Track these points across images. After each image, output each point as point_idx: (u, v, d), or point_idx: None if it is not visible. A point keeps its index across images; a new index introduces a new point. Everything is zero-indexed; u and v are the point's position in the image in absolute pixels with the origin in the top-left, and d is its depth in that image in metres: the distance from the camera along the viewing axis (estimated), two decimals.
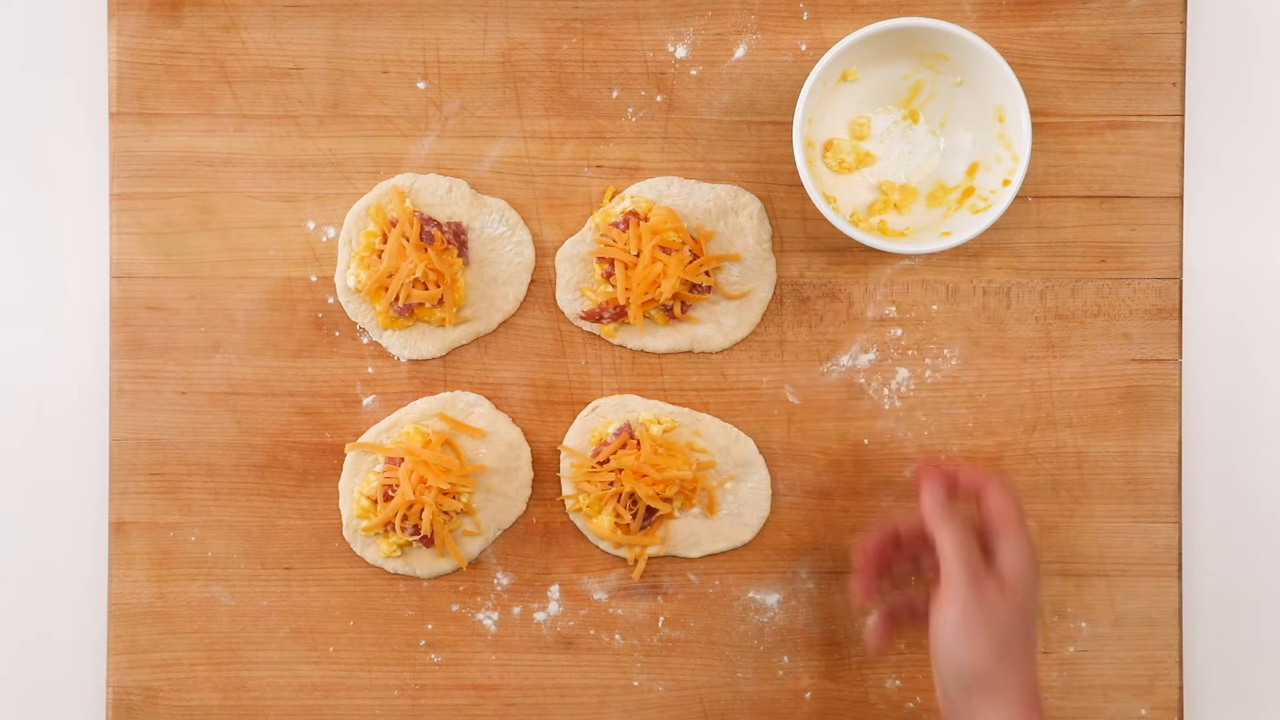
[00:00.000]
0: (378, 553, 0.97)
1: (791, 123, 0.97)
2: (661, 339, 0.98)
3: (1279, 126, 1.02)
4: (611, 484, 0.95)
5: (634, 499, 0.95)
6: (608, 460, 0.95)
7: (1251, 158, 1.01)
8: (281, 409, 0.98)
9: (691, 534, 0.98)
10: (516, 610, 0.98)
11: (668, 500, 0.96)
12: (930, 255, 0.98)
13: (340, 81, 0.98)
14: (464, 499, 0.95)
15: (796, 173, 0.98)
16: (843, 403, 0.98)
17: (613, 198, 0.98)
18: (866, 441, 0.98)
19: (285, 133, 0.98)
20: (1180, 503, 0.98)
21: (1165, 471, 0.98)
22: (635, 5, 0.98)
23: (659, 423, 0.97)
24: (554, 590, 0.98)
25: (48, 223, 1.01)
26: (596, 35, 0.98)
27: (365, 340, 0.98)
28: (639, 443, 0.95)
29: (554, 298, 0.98)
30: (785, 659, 0.98)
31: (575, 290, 0.98)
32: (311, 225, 0.98)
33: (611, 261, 0.96)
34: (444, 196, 0.97)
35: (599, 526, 0.96)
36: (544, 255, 0.98)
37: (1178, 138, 0.98)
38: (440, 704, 0.98)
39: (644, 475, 0.94)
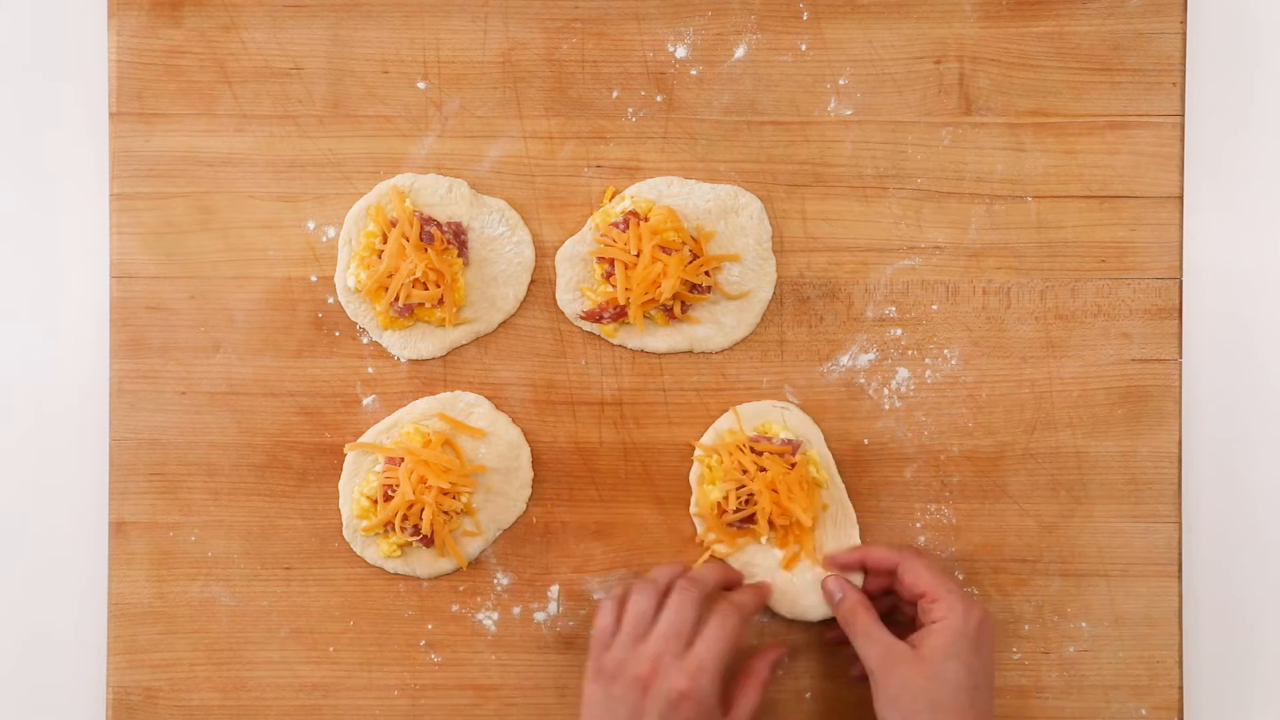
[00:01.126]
0: (378, 553, 0.97)
1: (791, 123, 0.97)
2: (661, 339, 0.98)
3: (1279, 127, 1.02)
4: (745, 471, 0.94)
5: (748, 500, 0.95)
6: None
7: (1251, 158, 1.01)
8: (281, 409, 0.98)
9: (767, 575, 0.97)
10: (516, 610, 0.98)
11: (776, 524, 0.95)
12: (930, 255, 0.98)
13: (340, 81, 0.98)
14: (464, 499, 0.95)
15: (796, 172, 0.98)
16: (843, 403, 0.98)
17: (613, 198, 0.98)
18: (866, 441, 0.98)
19: (285, 133, 0.98)
20: (1180, 503, 0.98)
21: (1165, 471, 0.98)
22: (635, 5, 0.98)
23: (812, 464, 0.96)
24: (554, 590, 0.98)
25: (48, 223, 1.01)
26: (596, 35, 0.98)
27: (365, 340, 0.98)
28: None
29: (554, 298, 0.98)
30: (785, 659, 0.98)
31: (575, 290, 0.98)
32: (311, 225, 0.98)
33: (611, 261, 0.96)
34: (444, 196, 0.97)
35: (705, 495, 0.95)
36: (544, 255, 0.98)
37: (1178, 138, 0.98)
38: (440, 704, 0.98)
39: (775, 491, 0.94)
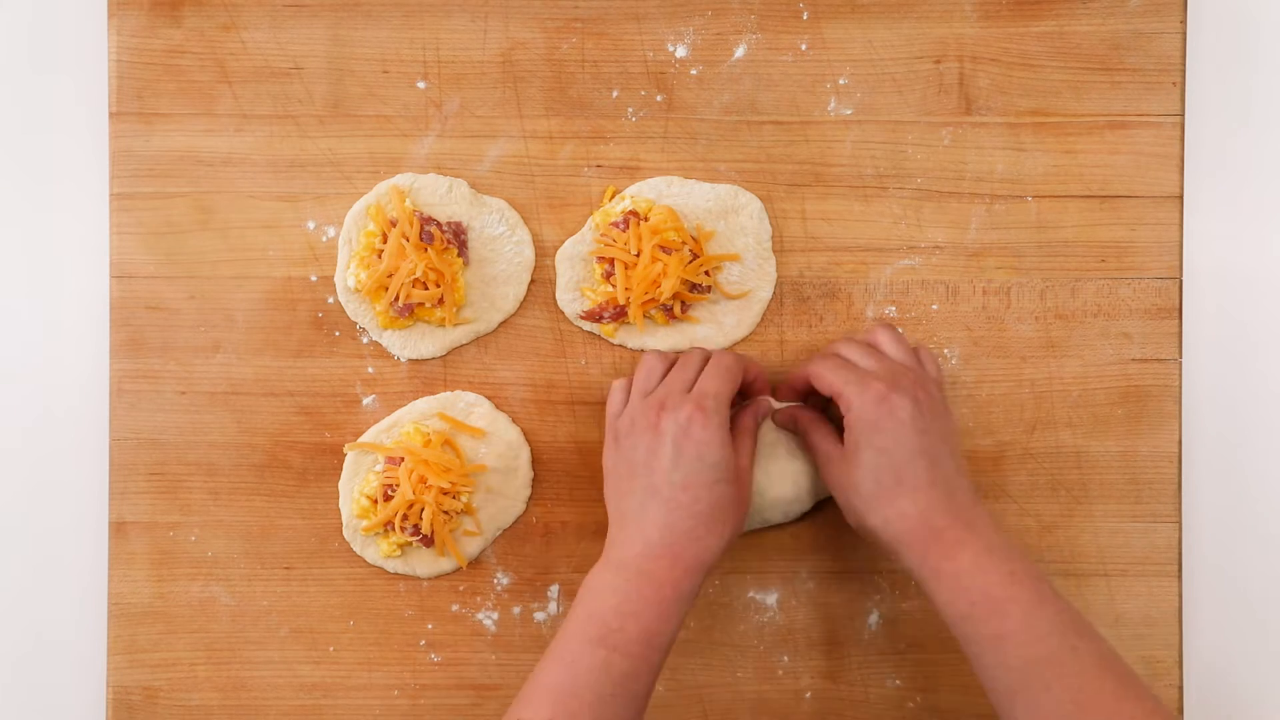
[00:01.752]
0: (378, 553, 0.97)
1: (791, 123, 0.97)
2: (661, 339, 0.98)
3: (1279, 126, 1.02)
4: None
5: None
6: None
7: (1251, 158, 1.01)
8: (281, 409, 0.98)
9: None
10: (516, 610, 0.98)
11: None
12: (930, 255, 0.98)
13: (340, 81, 0.98)
14: (464, 499, 0.95)
15: (796, 172, 0.98)
16: None
17: (613, 198, 0.98)
18: None
19: (285, 133, 0.98)
20: (1180, 503, 0.98)
21: (1165, 471, 0.98)
22: (635, 5, 0.98)
23: None
24: (554, 590, 0.98)
25: (48, 223, 1.01)
26: (596, 35, 0.98)
27: (365, 340, 0.98)
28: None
29: (554, 298, 0.98)
30: (785, 659, 0.98)
31: (575, 290, 0.98)
32: (311, 225, 0.98)
33: (611, 261, 0.96)
34: (444, 196, 0.97)
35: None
36: (544, 255, 0.98)
37: (1178, 138, 0.98)
38: (440, 704, 0.98)
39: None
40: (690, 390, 0.89)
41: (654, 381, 0.91)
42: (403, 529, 0.95)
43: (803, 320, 0.98)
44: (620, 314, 0.96)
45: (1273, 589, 1.01)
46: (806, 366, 0.93)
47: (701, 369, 0.91)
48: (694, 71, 0.98)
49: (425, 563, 0.97)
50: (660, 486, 0.86)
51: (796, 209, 0.98)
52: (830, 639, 0.98)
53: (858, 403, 0.87)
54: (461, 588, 0.98)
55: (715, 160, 0.98)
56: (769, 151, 0.98)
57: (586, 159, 0.98)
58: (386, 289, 0.95)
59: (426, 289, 0.95)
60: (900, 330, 0.97)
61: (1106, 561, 0.98)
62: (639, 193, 0.97)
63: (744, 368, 0.92)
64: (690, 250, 0.95)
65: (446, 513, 0.95)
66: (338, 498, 0.98)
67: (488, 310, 0.98)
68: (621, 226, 0.95)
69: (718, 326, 0.98)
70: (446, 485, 0.94)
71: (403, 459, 0.95)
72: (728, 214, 0.98)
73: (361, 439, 0.97)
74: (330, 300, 0.98)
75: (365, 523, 0.96)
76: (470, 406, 0.98)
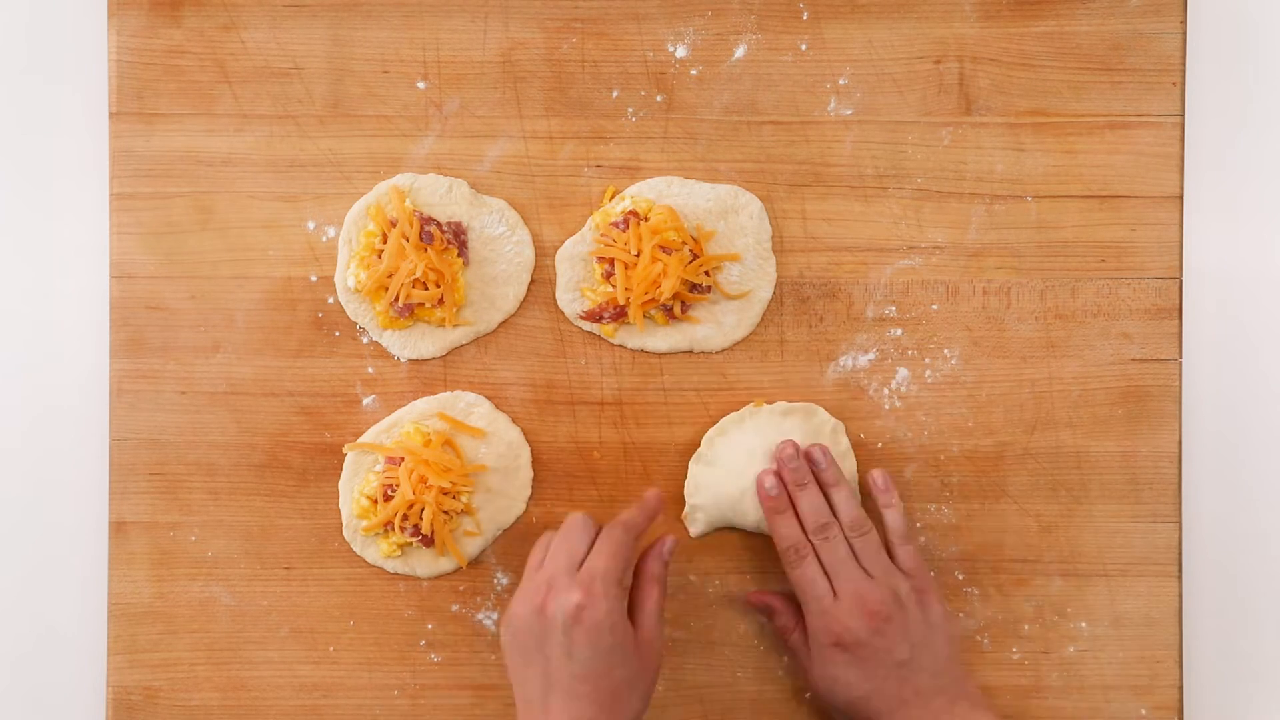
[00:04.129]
0: (378, 553, 0.97)
1: (791, 123, 0.97)
2: (661, 339, 0.98)
3: (1279, 126, 1.02)
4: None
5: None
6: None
7: (1251, 158, 1.01)
8: (281, 409, 0.98)
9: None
10: None
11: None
12: (930, 255, 0.98)
13: (340, 81, 0.98)
14: (464, 499, 0.95)
15: (796, 172, 0.98)
16: (843, 403, 0.98)
17: (613, 198, 0.98)
18: (866, 440, 0.98)
19: (285, 133, 0.98)
20: (1180, 503, 0.98)
21: (1165, 471, 0.98)
22: (635, 5, 0.98)
23: None
24: None
25: (48, 223, 1.01)
26: (596, 35, 0.98)
27: (365, 340, 0.98)
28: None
29: (554, 298, 0.98)
30: (785, 659, 0.98)
31: (575, 290, 0.98)
32: (311, 225, 0.98)
33: (611, 261, 0.96)
34: (444, 196, 0.97)
35: None
36: (544, 255, 0.98)
37: (1178, 138, 0.98)
38: (440, 704, 0.98)
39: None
40: (580, 568, 0.85)
41: (541, 556, 0.88)
42: (403, 529, 0.95)
43: (803, 320, 0.98)
44: (620, 314, 0.96)
45: (1273, 589, 1.01)
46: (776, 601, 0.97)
47: (590, 540, 0.87)
48: (694, 71, 0.98)
49: (425, 563, 0.97)
50: (556, 676, 0.84)
51: (796, 209, 0.98)
52: None
53: (819, 624, 0.91)
54: (461, 588, 0.98)
55: (715, 160, 0.98)
56: (769, 151, 0.98)
57: (586, 159, 0.98)
58: (386, 289, 0.95)
59: (426, 289, 0.95)
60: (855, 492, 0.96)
61: (1106, 561, 0.98)
62: (639, 193, 0.97)
63: (636, 537, 0.88)
64: (690, 250, 0.95)
65: (446, 513, 0.95)
66: (338, 498, 0.98)
67: (488, 310, 0.98)
68: (621, 226, 0.95)
69: (718, 326, 0.98)
70: (446, 485, 0.94)
71: (403, 459, 0.95)
72: (728, 214, 0.98)
73: (361, 439, 0.97)
74: (330, 300, 0.98)
75: (365, 523, 0.96)
76: (470, 406, 0.98)
